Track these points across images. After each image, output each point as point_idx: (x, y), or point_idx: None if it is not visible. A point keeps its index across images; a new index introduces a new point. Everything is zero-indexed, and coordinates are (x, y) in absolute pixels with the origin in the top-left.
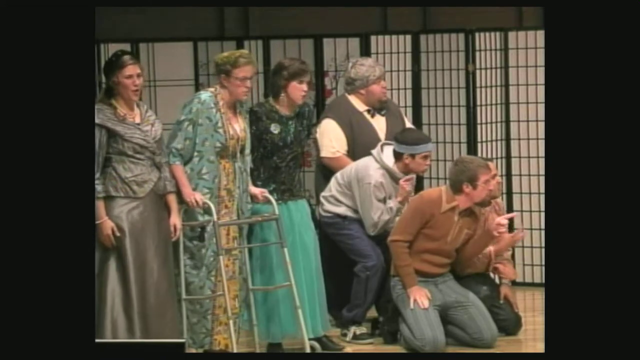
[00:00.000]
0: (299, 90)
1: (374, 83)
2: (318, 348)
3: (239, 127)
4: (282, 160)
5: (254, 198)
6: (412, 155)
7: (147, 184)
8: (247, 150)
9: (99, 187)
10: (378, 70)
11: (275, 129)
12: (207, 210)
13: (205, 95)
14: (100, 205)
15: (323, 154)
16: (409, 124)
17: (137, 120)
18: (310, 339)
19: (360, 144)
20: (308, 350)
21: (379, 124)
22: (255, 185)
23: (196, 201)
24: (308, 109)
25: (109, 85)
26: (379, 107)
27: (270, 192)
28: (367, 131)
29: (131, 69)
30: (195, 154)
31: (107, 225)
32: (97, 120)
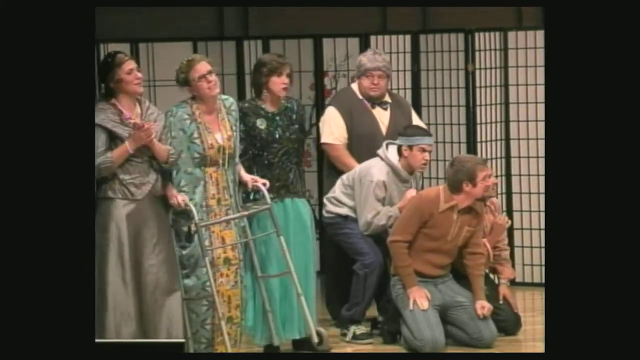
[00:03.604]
0: (279, 84)
1: (363, 75)
2: (325, 334)
3: (222, 135)
4: (273, 156)
5: (244, 186)
6: (410, 147)
7: (145, 186)
8: (237, 160)
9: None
10: (369, 64)
11: (261, 124)
12: (184, 214)
13: (177, 108)
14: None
15: (323, 139)
16: (417, 122)
17: (138, 120)
18: (300, 339)
19: (359, 133)
20: (315, 339)
21: (382, 116)
22: None
23: (178, 203)
24: (297, 102)
25: (109, 87)
26: (369, 100)
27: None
28: (367, 120)
29: (129, 64)
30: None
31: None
32: (98, 121)
